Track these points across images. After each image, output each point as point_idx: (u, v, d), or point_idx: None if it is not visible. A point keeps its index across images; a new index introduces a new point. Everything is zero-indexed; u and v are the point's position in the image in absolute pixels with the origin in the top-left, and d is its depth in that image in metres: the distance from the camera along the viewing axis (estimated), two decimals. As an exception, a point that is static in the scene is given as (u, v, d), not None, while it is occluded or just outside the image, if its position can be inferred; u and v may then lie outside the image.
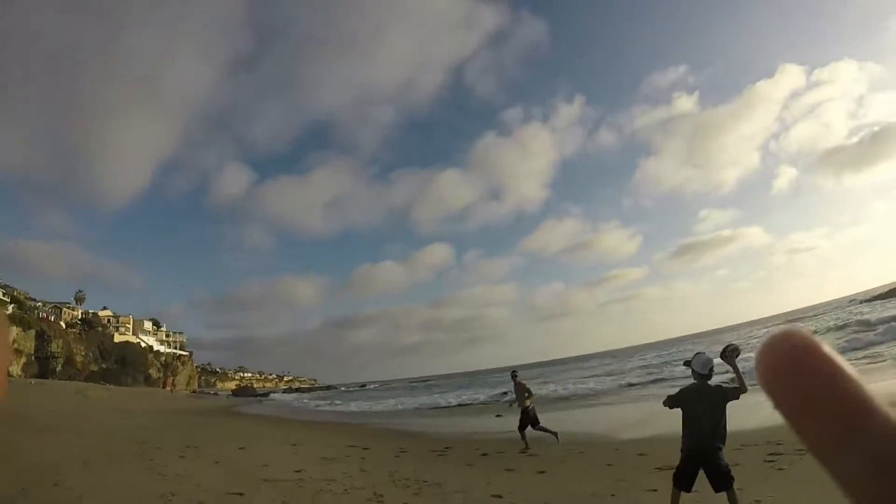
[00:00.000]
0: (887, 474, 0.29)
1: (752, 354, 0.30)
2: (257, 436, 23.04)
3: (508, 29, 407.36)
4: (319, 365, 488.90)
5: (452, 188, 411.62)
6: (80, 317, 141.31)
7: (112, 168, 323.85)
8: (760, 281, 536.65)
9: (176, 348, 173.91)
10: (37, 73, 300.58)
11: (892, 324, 37.86)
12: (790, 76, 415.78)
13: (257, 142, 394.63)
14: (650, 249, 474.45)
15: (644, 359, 74.89)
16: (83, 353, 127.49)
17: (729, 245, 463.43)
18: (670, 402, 7.91)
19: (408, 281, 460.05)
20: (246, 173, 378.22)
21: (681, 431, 7.82)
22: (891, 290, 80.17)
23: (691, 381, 7.93)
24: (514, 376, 18.12)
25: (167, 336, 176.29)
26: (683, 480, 7.69)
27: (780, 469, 9.94)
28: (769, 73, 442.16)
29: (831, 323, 52.90)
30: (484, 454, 15.74)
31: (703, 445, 7.59)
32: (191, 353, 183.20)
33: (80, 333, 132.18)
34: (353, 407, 57.39)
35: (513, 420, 18.79)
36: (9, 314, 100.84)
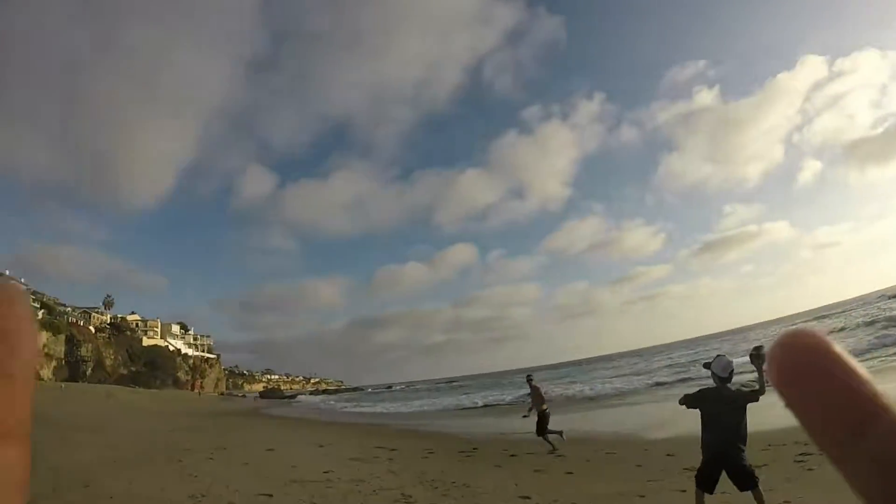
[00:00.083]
0: (891, 475, 0.29)
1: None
2: (285, 437, 23.16)
3: (525, 26, 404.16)
4: (345, 366, 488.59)
5: (474, 188, 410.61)
6: (108, 321, 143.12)
7: (136, 172, 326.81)
8: (786, 277, 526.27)
9: (203, 351, 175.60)
10: (60, 80, 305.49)
11: (924, 320, 37.17)
12: (812, 67, 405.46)
13: (278, 144, 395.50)
14: (674, 247, 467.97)
15: (670, 357, 74.31)
16: (112, 357, 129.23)
17: (754, 241, 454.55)
18: (687, 401, 7.83)
19: (432, 281, 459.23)
20: (268, 176, 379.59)
21: (704, 429, 7.74)
22: (922, 285, 78.86)
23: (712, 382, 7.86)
24: (529, 380, 17.90)
25: (195, 339, 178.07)
26: (706, 482, 7.64)
27: (809, 469, 9.77)
28: (790, 65, 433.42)
29: (860, 319, 51.77)
30: (512, 455, 15.67)
31: (724, 447, 7.53)
32: (218, 355, 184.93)
33: (109, 337, 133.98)
34: (379, 408, 57.49)
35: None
36: (39, 319, 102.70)
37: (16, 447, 0.25)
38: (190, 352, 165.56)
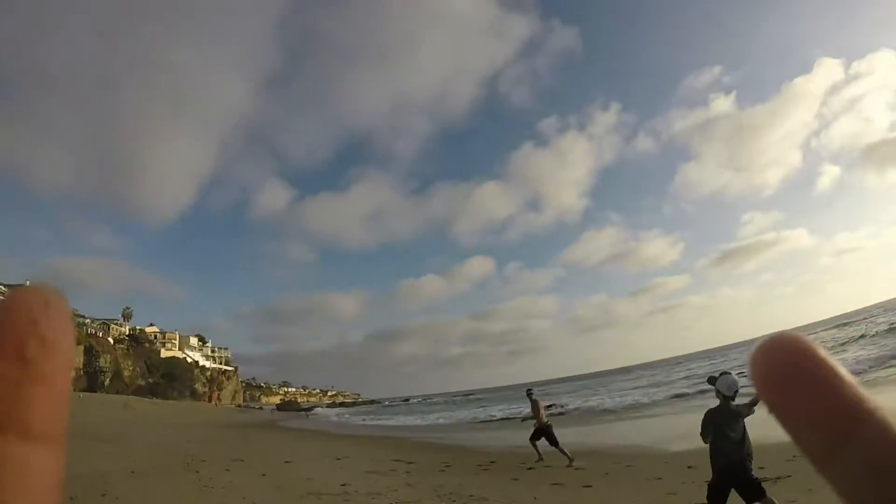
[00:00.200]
0: (883, 482, 0.29)
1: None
2: (302, 450, 23.10)
3: (540, 38, 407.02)
4: (362, 379, 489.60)
5: (491, 200, 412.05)
6: (127, 333, 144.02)
7: (157, 186, 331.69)
8: (806, 284, 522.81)
9: (221, 363, 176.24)
10: (80, 95, 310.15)
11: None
12: (828, 70, 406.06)
13: (296, 157, 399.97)
14: (693, 256, 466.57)
15: (690, 369, 73.59)
16: (131, 368, 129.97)
17: (773, 249, 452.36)
18: (705, 434, 7.76)
19: (449, 293, 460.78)
20: (286, 189, 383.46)
21: (715, 444, 7.69)
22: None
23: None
24: (529, 395, 17.96)
25: (212, 352, 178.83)
26: (718, 497, 7.55)
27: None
28: (806, 69, 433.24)
29: (883, 327, 50.89)
30: (529, 468, 15.55)
31: (734, 461, 7.53)
32: (236, 368, 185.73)
33: (127, 349, 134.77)
34: (396, 421, 57.36)
35: (557, 433, 18.47)
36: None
37: (52, 450, 0.26)
38: (207, 364, 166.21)
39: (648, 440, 18.22)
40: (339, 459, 18.69)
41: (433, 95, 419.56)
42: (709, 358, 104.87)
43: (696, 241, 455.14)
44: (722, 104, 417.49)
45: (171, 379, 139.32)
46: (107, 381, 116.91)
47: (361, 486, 12.89)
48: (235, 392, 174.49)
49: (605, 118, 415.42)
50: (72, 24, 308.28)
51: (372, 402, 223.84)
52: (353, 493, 11.84)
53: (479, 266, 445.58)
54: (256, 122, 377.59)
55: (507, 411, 48.24)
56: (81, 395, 78.32)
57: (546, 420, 17.19)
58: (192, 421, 50.58)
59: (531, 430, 17.26)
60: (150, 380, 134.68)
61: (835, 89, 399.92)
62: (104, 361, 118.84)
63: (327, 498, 11.30)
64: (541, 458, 16.40)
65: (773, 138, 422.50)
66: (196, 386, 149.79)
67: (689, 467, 12.37)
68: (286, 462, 17.57)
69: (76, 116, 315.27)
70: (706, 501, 7.73)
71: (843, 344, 48.55)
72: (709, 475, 7.99)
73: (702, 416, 7.95)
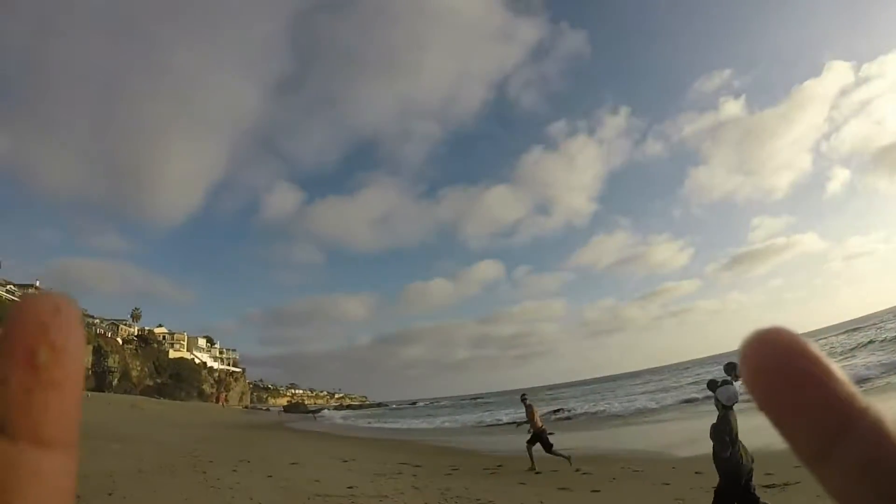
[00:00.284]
0: (877, 481, 0.29)
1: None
2: (309, 451, 23.09)
3: (548, 42, 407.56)
4: (370, 382, 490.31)
5: (501, 204, 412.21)
6: (136, 333, 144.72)
7: (166, 189, 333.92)
8: (817, 289, 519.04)
9: (229, 365, 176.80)
10: (90, 98, 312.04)
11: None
12: (838, 73, 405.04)
13: (305, 161, 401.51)
14: (702, 261, 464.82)
15: (699, 374, 73.23)
16: (139, 368, 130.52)
17: (783, 253, 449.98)
18: (725, 448, 7.75)
19: (458, 297, 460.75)
20: (295, 193, 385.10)
21: (723, 453, 7.72)
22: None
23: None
24: (524, 400, 18.28)
25: (220, 353, 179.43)
26: (751, 499, 7.55)
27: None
28: (816, 72, 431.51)
29: (893, 332, 50.46)
30: (537, 472, 15.49)
31: (747, 466, 7.60)
32: (243, 369, 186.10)
33: (136, 349, 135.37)
34: (403, 424, 57.32)
35: (565, 437, 18.42)
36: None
37: (64, 455, 0.26)
38: (215, 365, 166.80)
39: (656, 445, 18.15)
40: (345, 461, 18.68)
41: (442, 99, 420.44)
42: (718, 363, 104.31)
43: (706, 246, 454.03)
44: (732, 108, 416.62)
45: (179, 379, 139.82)
46: (115, 381, 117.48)
47: (368, 488, 12.87)
48: (243, 393, 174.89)
49: (615, 122, 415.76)
50: (84, 28, 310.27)
51: (379, 404, 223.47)
52: (360, 496, 11.82)
53: (488, 270, 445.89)
54: (266, 126, 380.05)
55: (515, 415, 48.12)
56: (89, 394, 78.66)
57: (541, 425, 17.28)
58: (200, 421, 50.71)
59: (542, 439, 17.13)
60: (158, 380, 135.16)
61: (845, 92, 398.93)
62: (112, 361, 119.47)
63: (334, 500, 11.28)
64: (532, 467, 16.34)
65: (784, 142, 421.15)
66: (204, 387, 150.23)
67: (697, 473, 12.29)
68: (293, 463, 17.57)
69: (87, 119, 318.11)
70: None
71: (851, 349, 48.28)
72: (717, 482, 7.95)
73: (710, 422, 7.94)
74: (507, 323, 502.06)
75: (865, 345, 48.11)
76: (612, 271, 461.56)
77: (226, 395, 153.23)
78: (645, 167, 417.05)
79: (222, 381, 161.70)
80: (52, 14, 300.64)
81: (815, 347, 0.31)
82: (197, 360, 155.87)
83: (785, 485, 9.62)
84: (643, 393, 54.14)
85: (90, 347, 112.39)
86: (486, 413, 58.64)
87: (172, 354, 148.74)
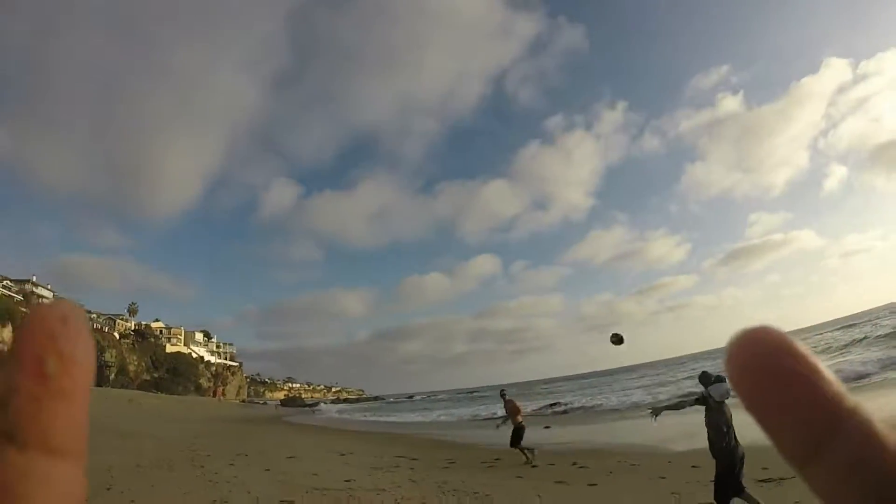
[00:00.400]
0: (865, 481, 0.28)
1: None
2: (306, 445, 23.15)
3: (546, 36, 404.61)
4: (367, 376, 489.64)
5: (498, 199, 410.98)
6: (133, 328, 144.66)
7: (164, 184, 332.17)
8: (814, 285, 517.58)
9: (226, 359, 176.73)
10: (88, 95, 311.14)
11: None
12: (835, 70, 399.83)
13: (302, 156, 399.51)
14: (699, 256, 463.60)
15: (695, 369, 73.35)
16: (136, 363, 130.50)
17: (780, 249, 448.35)
18: (721, 437, 7.87)
19: (455, 292, 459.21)
20: (292, 188, 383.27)
21: (720, 443, 7.85)
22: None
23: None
24: (503, 395, 18.41)
25: (217, 347, 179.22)
26: (730, 492, 7.82)
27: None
28: (814, 69, 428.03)
29: (891, 329, 50.62)
30: (534, 466, 15.56)
31: (740, 458, 7.82)
32: (240, 363, 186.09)
33: (133, 344, 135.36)
34: (400, 418, 57.44)
35: (561, 431, 18.49)
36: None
37: (73, 464, 0.26)
38: (212, 359, 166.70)
39: (653, 440, 18.20)
40: (343, 455, 18.74)
41: (440, 94, 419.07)
42: (714, 358, 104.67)
43: (703, 241, 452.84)
44: (729, 104, 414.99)
45: (176, 374, 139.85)
46: (112, 376, 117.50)
47: (366, 481, 12.93)
48: (240, 387, 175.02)
49: (612, 117, 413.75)
50: (80, 26, 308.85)
51: (376, 398, 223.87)
52: (358, 489, 11.87)
53: (485, 264, 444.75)
54: (264, 122, 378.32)
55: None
56: (87, 389, 78.58)
57: (521, 420, 17.44)
58: (197, 416, 50.78)
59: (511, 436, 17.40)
60: (156, 374, 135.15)
61: (842, 89, 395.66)
62: (109, 356, 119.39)
63: (332, 493, 11.32)
64: (528, 460, 16.46)
65: (781, 139, 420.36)
66: (201, 381, 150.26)
67: (693, 467, 12.37)
68: (290, 457, 17.62)
69: (85, 116, 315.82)
70: (715, 500, 7.79)
71: (846, 346, 48.44)
72: (713, 475, 8.02)
73: (705, 416, 8.04)
74: (504, 317, 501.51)
75: (860, 341, 48.24)
76: (610, 266, 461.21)
77: (223, 390, 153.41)
78: (642, 162, 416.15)
79: (219, 376, 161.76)
80: (54, 13, 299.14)
81: (803, 346, 0.30)
82: (194, 355, 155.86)
83: (781, 479, 9.67)
84: (639, 387, 54.30)
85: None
86: (483, 407, 58.69)
87: (169, 349, 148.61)
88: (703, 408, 8.20)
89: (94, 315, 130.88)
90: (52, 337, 0.26)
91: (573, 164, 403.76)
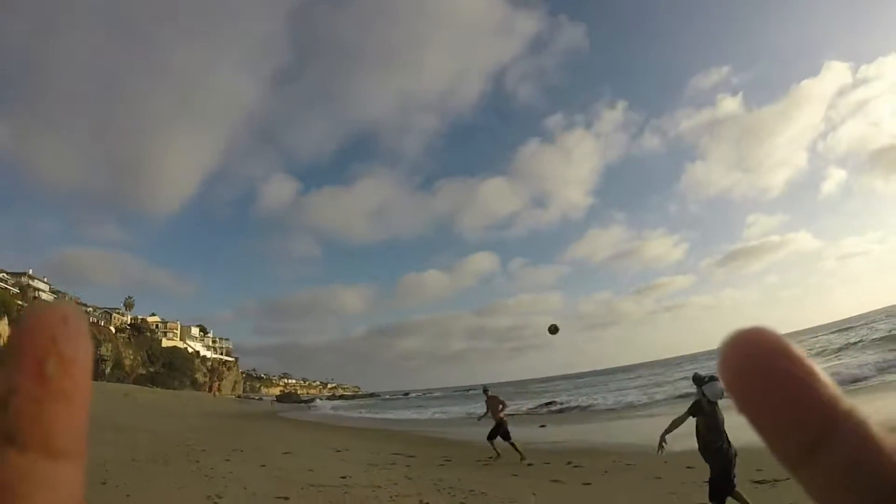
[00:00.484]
0: (860, 484, 0.28)
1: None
2: (302, 441, 23.16)
3: (546, 35, 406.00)
4: (363, 373, 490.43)
5: (497, 196, 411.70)
6: (129, 322, 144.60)
7: (162, 179, 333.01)
8: (811, 288, 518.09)
9: (222, 354, 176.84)
10: (87, 91, 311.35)
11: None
12: (836, 73, 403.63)
13: (302, 152, 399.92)
14: (697, 256, 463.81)
15: (691, 369, 73.38)
16: (132, 357, 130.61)
17: (778, 251, 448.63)
18: (718, 438, 7.99)
19: (453, 289, 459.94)
20: (291, 184, 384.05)
21: (714, 444, 7.88)
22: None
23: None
24: (485, 391, 18.55)
25: (214, 342, 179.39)
26: (726, 491, 7.85)
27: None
28: (814, 72, 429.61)
29: (886, 332, 50.63)
30: (529, 464, 15.58)
31: (732, 458, 7.84)
32: (236, 358, 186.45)
33: (129, 338, 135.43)
34: (395, 415, 57.43)
35: (557, 430, 18.47)
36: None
37: (73, 465, 0.26)
38: (209, 354, 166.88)
39: (648, 440, 18.22)
40: (339, 451, 18.75)
41: (439, 92, 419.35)
42: (711, 359, 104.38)
43: (701, 242, 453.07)
44: (729, 105, 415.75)
45: (172, 368, 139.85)
46: (107, 370, 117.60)
47: (361, 478, 12.93)
48: (236, 382, 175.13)
49: (612, 116, 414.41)
50: (81, 22, 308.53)
51: (371, 395, 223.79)
52: (354, 486, 11.87)
53: (484, 262, 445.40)
54: (263, 118, 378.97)
55: (508, 408, 48.19)
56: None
57: (502, 416, 17.73)
58: (193, 411, 50.74)
59: (503, 431, 17.71)
60: (151, 369, 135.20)
61: (842, 93, 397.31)
62: (105, 350, 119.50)
63: (327, 490, 11.32)
64: (523, 457, 16.58)
65: (780, 140, 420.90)
66: (197, 376, 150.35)
67: (688, 467, 12.35)
68: (286, 453, 17.62)
69: (85, 113, 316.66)
70: (711, 501, 7.81)
71: (840, 349, 48.49)
72: (708, 476, 8.04)
73: (699, 418, 8.06)
74: (502, 315, 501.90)
75: (856, 344, 48.28)
76: (608, 265, 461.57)
77: (219, 385, 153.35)
78: (641, 162, 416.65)
79: (215, 371, 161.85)
80: (54, 11, 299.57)
81: (798, 348, 0.30)
82: (190, 350, 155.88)
83: (774, 481, 9.69)
84: (636, 387, 54.33)
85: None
86: (479, 405, 58.49)
87: (165, 343, 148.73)
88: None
89: (91, 309, 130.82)
90: (53, 338, 0.26)
91: (573, 163, 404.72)
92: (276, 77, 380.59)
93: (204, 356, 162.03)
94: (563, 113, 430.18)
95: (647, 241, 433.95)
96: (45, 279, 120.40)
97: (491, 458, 16.63)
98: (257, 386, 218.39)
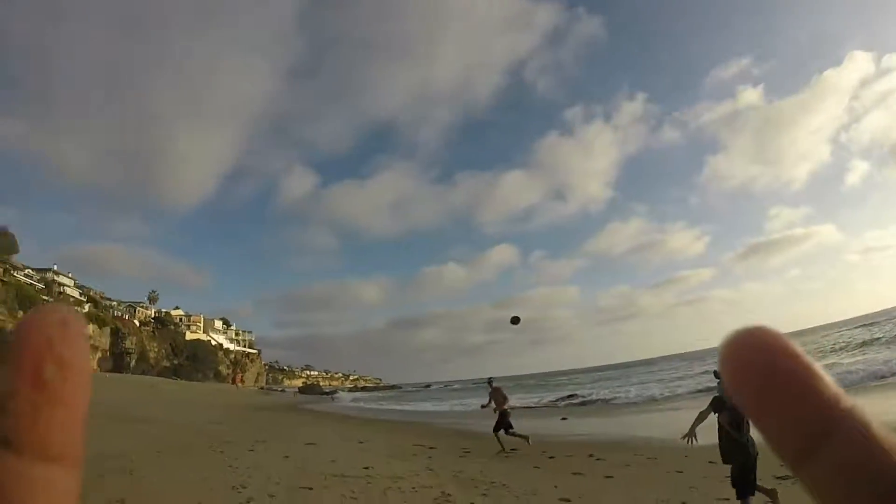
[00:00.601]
0: (859, 482, 0.28)
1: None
2: (325, 432, 23.30)
3: (565, 27, 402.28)
4: (384, 364, 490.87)
5: (515, 189, 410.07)
6: (153, 315, 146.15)
7: (182, 174, 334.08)
8: (835, 282, 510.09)
9: (245, 346, 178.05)
10: (110, 89, 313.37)
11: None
12: (858, 63, 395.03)
13: (320, 146, 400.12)
14: (718, 250, 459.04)
15: (711, 365, 72.87)
16: (156, 350, 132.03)
17: (800, 244, 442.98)
18: (741, 432, 7.84)
19: (472, 282, 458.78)
20: (310, 177, 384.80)
21: (738, 439, 7.86)
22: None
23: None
24: (490, 383, 18.88)
25: (236, 335, 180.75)
26: (751, 486, 7.83)
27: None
28: (837, 62, 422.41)
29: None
30: (551, 457, 15.55)
31: (755, 456, 7.78)
32: (259, 351, 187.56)
33: (153, 331, 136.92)
34: (416, 407, 57.59)
35: (578, 423, 18.45)
36: (85, 312, 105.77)
37: (70, 470, 0.26)
38: (231, 346, 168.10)
39: (669, 434, 18.16)
40: (361, 443, 18.86)
41: (457, 85, 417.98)
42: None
43: (723, 235, 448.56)
44: (750, 96, 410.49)
45: (196, 361, 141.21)
46: (132, 363, 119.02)
47: (383, 469, 13.01)
48: (258, 374, 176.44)
49: (631, 108, 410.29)
50: (99, 20, 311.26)
51: (393, 387, 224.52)
52: (376, 476, 11.96)
53: (503, 254, 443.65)
54: (281, 112, 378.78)
55: (529, 400, 48.24)
56: (108, 375, 79.71)
57: (505, 407, 18.03)
58: (216, 402, 51.19)
59: (506, 423, 17.90)
60: (175, 361, 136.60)
61: (865, 83, 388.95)
62: (130, 343, 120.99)
63: (350, 480, 11.42)
64: (525, 439, 17.05)
65: (802, 132, 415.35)
66: (220, 368, 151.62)
67: (710, 462, 12.31)
68: (309, 444, 17.76)
69: (104, 109, 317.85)
70: (739, 498, 7.80)
71: (863, 344, 47.98)
72: (729, 471, 8.02)
73: (721, 413, 8.03)
74: (521, 308, 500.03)
75: (879, 339, 47.72)
76: (628, 258, 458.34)
77: (241, 377, 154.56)
78: (661, 154, 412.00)
79: (238, 363, 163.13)
80: (72, 8, 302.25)
81: (799, 347, 0.30)
82: (213, 342, 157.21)
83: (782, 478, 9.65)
84: (657, 381, 54.08)
85: (108, 329, 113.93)
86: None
87: (189, 336, 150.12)
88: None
89: (115, 303, 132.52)
90: (50, 343, 0.26)
91: (592, 155, 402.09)
92: (293, 71, 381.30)
93: (227, 349, 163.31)
94: (581, 105, 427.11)
95: (667, 235, 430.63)
96: (70, 274, 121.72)
97: (514, 449, 16.66)
98: (280, 378, 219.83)
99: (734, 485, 7.88)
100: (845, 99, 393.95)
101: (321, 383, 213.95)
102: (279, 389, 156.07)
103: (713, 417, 8.26)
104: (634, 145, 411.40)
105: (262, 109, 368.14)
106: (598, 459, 14.62)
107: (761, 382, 0.29)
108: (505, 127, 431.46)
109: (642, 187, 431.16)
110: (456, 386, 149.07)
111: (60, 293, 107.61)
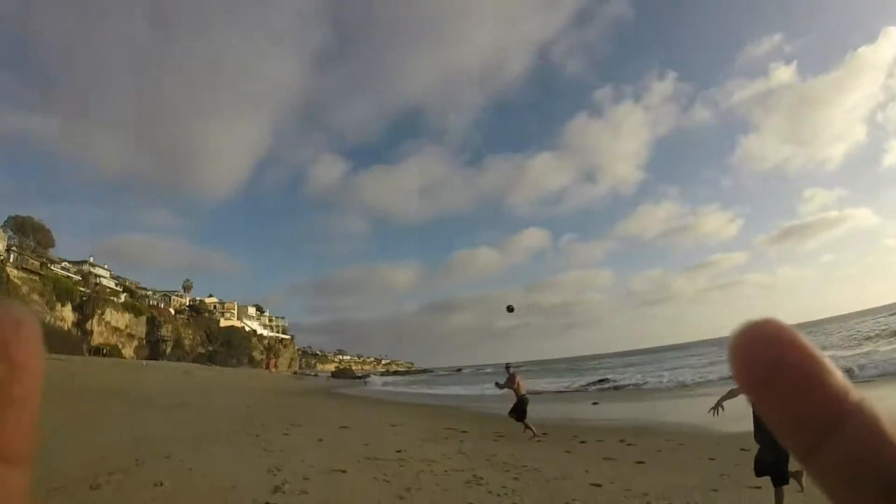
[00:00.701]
0: (867, 475, 0.28)
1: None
2: (357, 416, 23.55)
3: (593, 6, 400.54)
4: (416, 348, 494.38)
5: (545, 172, 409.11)
6: (187, 303, 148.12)
7: (214, 164, 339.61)
8: (870, 267, 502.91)
9: (278, 332, 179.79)
10: (143, 81, 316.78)
11: None
12: (894, 40, 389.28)
13: (350, 133, 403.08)
14: (751, 233, 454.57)
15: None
16: (191, 337, 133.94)
17: (835, 227, 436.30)
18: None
19: (503, 265, 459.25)
20: (340, 164, 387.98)
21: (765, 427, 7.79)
22: None
23: None
24: (507, 368, 18.75)
25: (270, 321, 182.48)
26: (785, 474, 7.82)
27: None
28: (871, 38, 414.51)
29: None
30: (582, 441, 15.54)
31: (784, 450, 7.65)
32: (292, 336, 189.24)
33: (188, 319, 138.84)
34: (448, 390, 57.84)
35: (610, 408, 18.37)
36: (121, 302, 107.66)
37: (21, 470, 0.26)
38: (265, 332, 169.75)
39: (701, 420, 18.07)
40: (393, 426, 19.03)
41: (485, 67, 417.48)
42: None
43: (756, 217, 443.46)
44: (783, 74, 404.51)
45: (230, 347, 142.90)
46: (168, 350, 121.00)
47: (416, 452, 13.14)
48: (292, 359, 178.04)
49: (661, 87, 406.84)
50: (132, 15, 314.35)
51: (425, 371, 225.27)
52: (409, 459, 12.08)
53: (534, 238, 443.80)
54: (310, 100, 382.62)
55: (561, 384, 48.19)
56: (144, 362, 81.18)
57: (523, 393, 17.92)
58: (251, 387, 51.89)
59: (517, 409, 17.89)
60: (210, 348, 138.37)
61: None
62: (165, 331, 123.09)
63: (383, 463, 11.56)
64: (529, 430, 16.89)
65: (837, 111, 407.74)
66: (254, 354, 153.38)
67: (742, 449, 12.23)
68: (342, 427, 17.98)
69: (137, 102, 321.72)
70: (775, 485, 7.79)
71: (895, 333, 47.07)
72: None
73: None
74: (553, 292, 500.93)
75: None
76: (660, 241, 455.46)
77: (275, 362, 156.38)
78: (693, 135, 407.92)
79: (272, 348, 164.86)
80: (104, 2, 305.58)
81: (808, 340, 0.30)
82: (247, 328, 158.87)
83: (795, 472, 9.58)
84: (689, 366, 53.65)
85: (144, 318, 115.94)
86: (529, 381, 58.81)
87: (223, 323, 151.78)
88: None
89: (151, 292, 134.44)
90: (4, 344, 0.26)
91: (622, 137, 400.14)
92: (321, 58, 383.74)
93: (261, 335, 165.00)
94: (611, 86, 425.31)
95: (699, 217, 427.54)
96: (106, 266, 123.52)
97: (545, 433, 16.67)
98: (313, 363, 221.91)
99: (761, 473, 7.84)
100: (881, 77, 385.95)
101: (353, 368, 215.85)
102: (312, 374, 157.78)
103: (744, 400, 8.22)
104: (665, 126, 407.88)
105: (291, 98, 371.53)
106: (629, 444, 14.61)
107: (769, 374, 0.29)
108: (534, 109, 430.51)
109: (673, 169, 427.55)
110: (488, 370, 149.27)
111: (97, 284, 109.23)
